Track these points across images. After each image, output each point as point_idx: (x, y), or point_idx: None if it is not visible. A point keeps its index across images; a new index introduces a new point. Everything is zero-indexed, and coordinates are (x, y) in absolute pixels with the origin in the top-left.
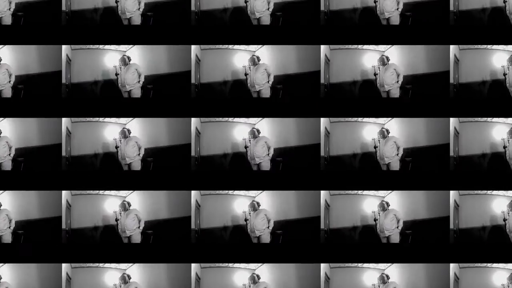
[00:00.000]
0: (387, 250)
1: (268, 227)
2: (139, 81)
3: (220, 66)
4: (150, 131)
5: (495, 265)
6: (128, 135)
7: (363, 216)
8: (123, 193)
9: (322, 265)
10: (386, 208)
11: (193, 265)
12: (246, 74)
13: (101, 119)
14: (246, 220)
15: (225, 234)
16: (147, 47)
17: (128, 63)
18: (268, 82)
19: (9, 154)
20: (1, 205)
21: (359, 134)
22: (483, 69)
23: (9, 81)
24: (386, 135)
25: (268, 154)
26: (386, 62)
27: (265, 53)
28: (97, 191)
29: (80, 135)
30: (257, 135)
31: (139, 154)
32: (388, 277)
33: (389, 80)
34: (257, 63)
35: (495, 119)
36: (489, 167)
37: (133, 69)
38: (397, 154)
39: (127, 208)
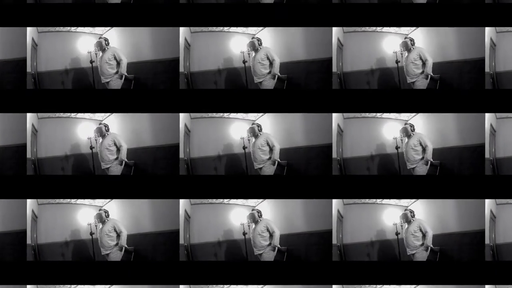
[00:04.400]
0: (411, 269)
1: (270, 244)
2: (117, 72)
3: (213, 52)
4: (131, 128)
5: None
6: (105, 133)
7: (382, 229)
8: (99, 202)
9: (335, 287)
10: (410, 218)
11: (181, 287)
12: (244, 62)
13: (73, 114)
14: (244, 234)
15: (219, 250)
16: (127, 30)
17: (105, 47)
18: (270, 73)
19: None
20: None
21: (377, 133)
22: None
23: None
24: (410, 133)
25: (270, 158)
26: (410, 46)
27: (267, 36)
28: (69, 200)
29: (48, 134)
30: (258, 133)
31: (116, 158)
32: None
33: (412, 69)
34: (257, 47)
35: None
36: None
37: (110, 54)
38: (423, 158)
39: (104, 220)
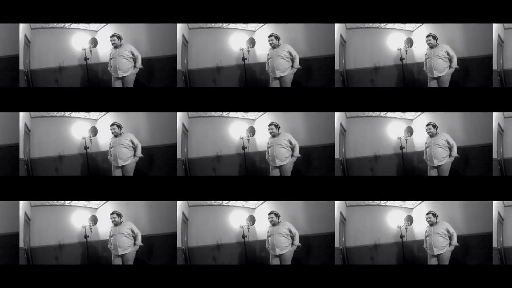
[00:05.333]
0: (416, 274)
1: (292, 244)
2: (134, 66)
3: (212, 49)
4: (127, 128)
5: None
6: (119, 132)
7: (386, 232)
8: (94, 204)
9: None
10: (436, 221)
11: None
12: (244, 59)
13: (67, 113)
14: (244, 237)
15: (218, 254)
16: (123, 26)
17: (120, 43)
18: (292, 67)
19: None
20: None
21: (382, 132)
22: None
23: None
24: (435, 132)
25: (293, 156)
26: (435, 43)
27: (267, 32)
28: (62, 202)
29: (41, 133)
30: (277, 132)
31: (134, 156)
32: None
33: (440, 64)
34: (278, 43)
35: None
36: None
37: (128, 51)
38: (450, 155)
39: (119, 222)
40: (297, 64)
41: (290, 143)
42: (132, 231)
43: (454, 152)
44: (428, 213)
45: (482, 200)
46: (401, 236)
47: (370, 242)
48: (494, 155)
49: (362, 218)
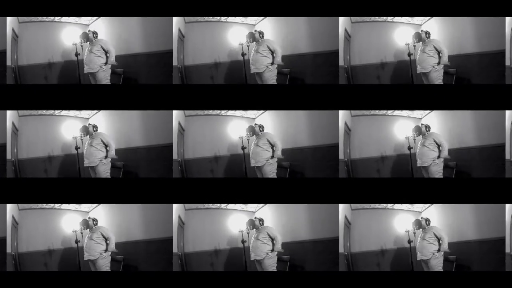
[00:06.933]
0: (425, 280)
1: (272, 251)
2: (106, 63)
3: (210, 44)
4: (121, 127)
5: None
6: (92, 133)
7: (393, 237)
8: (85, 207)
9: None
10: (425, 226)
11: None
12: (243, 55)
13: (57, 112)
14: (243, 241)
15: (216, 259)
16: (116, 20)
17: (93, 40)
18: (272, 64)
19: None
20: None
21: (388, 132)
22: None
23: None
24: (425, 132)
25: (273, 157)
26: (425, 39)
27: (268, 27)
28: (52, 205)
29: (30, 133)
30: (259, 132)
31: (106, 157)
32: None
33: (427, 61)
34: (259, 39)
35: None
36: None
37: (99, 46)
38: (439, 157)
39: (92, 227)
40: (277, 60)
41: (270, 143)
42: (103, 236)
43: (443, 153)
44: (420, 218)
45: (494, 203)
46: (409, 241)
47: (376, 247)
48: (507, 156)
49: (367, 222)
